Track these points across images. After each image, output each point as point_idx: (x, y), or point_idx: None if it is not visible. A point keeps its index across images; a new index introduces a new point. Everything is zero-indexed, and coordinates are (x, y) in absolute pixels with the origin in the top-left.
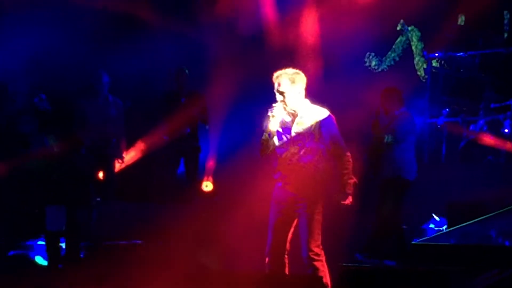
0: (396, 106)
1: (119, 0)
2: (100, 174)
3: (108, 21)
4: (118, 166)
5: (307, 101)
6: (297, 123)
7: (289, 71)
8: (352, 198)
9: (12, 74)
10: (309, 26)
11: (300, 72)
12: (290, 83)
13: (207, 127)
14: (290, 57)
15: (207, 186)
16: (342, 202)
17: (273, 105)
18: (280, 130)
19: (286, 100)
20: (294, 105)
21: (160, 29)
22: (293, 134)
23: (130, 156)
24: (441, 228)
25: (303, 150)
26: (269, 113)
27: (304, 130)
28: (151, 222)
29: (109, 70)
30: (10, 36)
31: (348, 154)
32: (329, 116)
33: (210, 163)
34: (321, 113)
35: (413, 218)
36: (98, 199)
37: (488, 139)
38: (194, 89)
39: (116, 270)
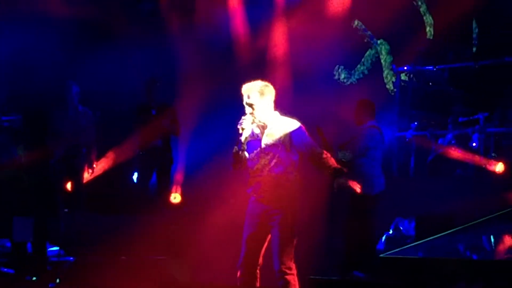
0: (364, 119)
1: (89, 9)
2: (69, 185)
3: (78, 31)
4: (87, 176)
5: (277, 113)
6: (267, 135)
7: (258, 83)
8: (345, 179)
9: None
10: (279, 38)
11: (269, 85)
12: (259, 96)
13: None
14: (260, 69)
15: (175, 198)
16: (346, 182)
17: (243, 117)
18: (250, 142)
19: (255, 112)
20: (263, 117)
21: (131, 40)
22: (263, 146)
23: (100, 166)
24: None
25: (273, 161)
26: (239, 126)
27: (274, 141)
28: (120, 233)
29: (79, 80)
30: None
31: (326, 153)
32: (299, 126)
33: (179, 175)
34: (291, 124)
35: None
36: (66, 210)
37: (456, 153)
38: (165, 100)
39: (85, 282)
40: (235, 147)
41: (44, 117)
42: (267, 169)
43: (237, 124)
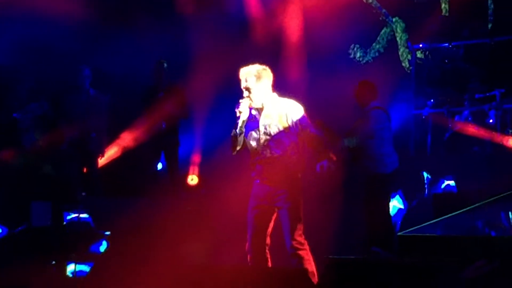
0: (367, 101)
1: None
2: (84, 169)
3: (90, 16)
4: (99, 161)
5: (275, 95)
6: (264, 116)
7: (255, 67)
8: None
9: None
10: (293, 19)
11: (267, 68)
12: (255, 80)
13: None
14: (275, 50)
15: (193, 179)
16: (328, 163)
17: (240, 101)
18: (249, 125)
19: (252, 96)
20: (260, 100)
21: (144, 23)
22: (261, 127)
23: (113, 150)
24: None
25: (273, 142)
26: (236, 109)
27: (271, 121)
28: (136, 215)
29: (90, 64)
30: None
31: (321, 136)
32: (295, 106)
33: (196, 157)
34: (288, 104)
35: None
36: (84, 193)
37: (473, 130)
38: (174, 83)
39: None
40: (233, 130)
41: (56, 102)
42: (267, 150)
43: (235, 107)
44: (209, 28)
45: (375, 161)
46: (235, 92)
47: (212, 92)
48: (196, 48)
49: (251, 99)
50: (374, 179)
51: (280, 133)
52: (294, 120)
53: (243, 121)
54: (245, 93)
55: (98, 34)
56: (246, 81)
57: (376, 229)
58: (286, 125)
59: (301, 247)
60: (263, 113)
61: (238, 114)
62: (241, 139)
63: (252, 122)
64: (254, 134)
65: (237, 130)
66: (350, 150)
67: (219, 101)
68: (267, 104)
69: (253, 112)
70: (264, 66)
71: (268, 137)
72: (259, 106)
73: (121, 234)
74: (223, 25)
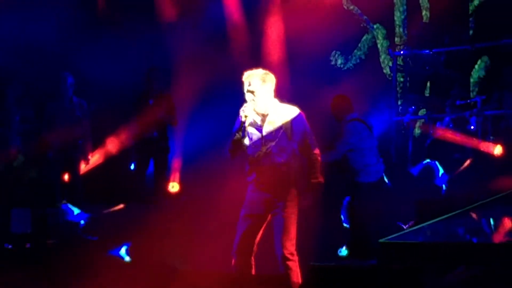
0: (341, 115)
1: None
2: (66, 176)
3: (73, 21)
4: (84, 168)
5: (276, 100)
6: (268, 122)
7: (259, 71)
8: (314, 199)
9: None
10: (274, 24)
11: (270, 73)
12: (260, 83)
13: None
14: (256, 57)
15: (173, 187)
16: (303, 203)
17: (244, 104)
18: (252, 130)
19: (256, 99)
20: (264, 105)
21: (126, 29)
22: (264, 133)
23: (97, 157)
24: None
25: (276, 150)
26: (241, 113)
27: (275, 129)
28: (118, 222)
29: (74, 70)
30: None
31: (317, 152)
32: (299, 113)
33: (176, 164)
34: (292, 111)
35: (385, 216)
36: (65, 200)
37: (454, 136)
38: (164, 89)
39: (83, 270)
40: (236, 133)
41: (40, 109)
42: (269, 157)
43: (239, 111)
44: (190, 35)
45: (359, 171)
46: (216, 97)
47: (193, 98)
48: (178, 54)
49: (255, 103)
50: (356, 187)
51: (283, 141)
52: (296, 127)
53: (247, 126)
54: (249, 97)
55: (83, 39)
56: (249, 84)
57: (353, 233)
58: (290, 133)
59: (292, 257)
60: (267, 119)
61: (243, 119)
62: (243, 143)
63: (255, 128)
64: (256, 140)
65: (242, 134)
66: (335, 163)
67: (199, 107)
68: (271, 110)
69: (256, 117)
70: (266, 71)
71: (271, 144)
72: (263, 111)
73: (103, 240)
74: (204, 31)
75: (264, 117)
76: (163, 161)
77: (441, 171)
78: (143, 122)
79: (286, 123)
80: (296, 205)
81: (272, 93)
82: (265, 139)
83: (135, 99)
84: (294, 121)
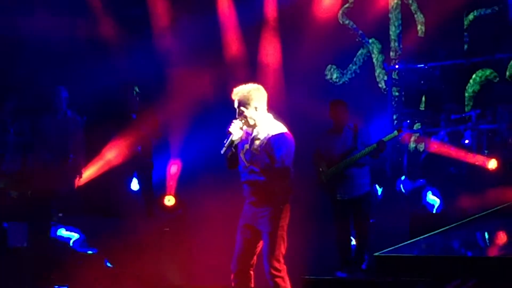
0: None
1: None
2: (61, 190)
3: (66, 36)
4: (76, 181)
5: (270, 116)
6: (254, 140)
7: (248, 87)
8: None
9: None
10: (270, 38)
11: (260, 88)
12: (248, 100)
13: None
14: (250, 71)
15: (169, 200)
16: None
17: (233, 121)
18: (241, 145)
19: (244, 116)
20: (253, 121)
21: (119, 44)
22: (251, 150)
23: (89, 171)
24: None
25: (259, 167)
26: (229, 130)
27: (259, 146)
28: (115, 236)
29: (67, 85)
30: None
31: (277, 167)
32: (281, 133)
33: (173, 177)
34: (275, 129)
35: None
36: (60, 214)
37: (449, 150)
38: (146, 104)
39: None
40: (224, 149)
41: (33, 124)
42: (253, 174)
43: (228, 128)
44: (184, 48)
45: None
46: (212, 111)
47: (187, 112)
48: (171, 68)
49: (243, 120)
50: (336, 203)
51: (266, 159)
52: (271, 145)
53: (233, 141)
54: (238, 114)
55: (70, 53)
56: (237, 101)
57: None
58: (269, 150)
59: (278, 274)
60: (253, 136)
61: (232, 137)
62: (234, 157)
63: (245, 143)
64: (244, 156)
65: (226, 151)
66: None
67: (195, 120)
68: (259, 127)
69: (246, 133)
70: (257, 86)
71: (256, 162)
72: (250, 128)
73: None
74: (199, 45)
75: (250, 134)
76: (147, 178)
77: (437, 203)
78: (126, 137)
79: (266, 141)
80: (279, 220)
81: (261, 108)
82: (251, 158)
83: (116, 115)
84: (272, 139)
